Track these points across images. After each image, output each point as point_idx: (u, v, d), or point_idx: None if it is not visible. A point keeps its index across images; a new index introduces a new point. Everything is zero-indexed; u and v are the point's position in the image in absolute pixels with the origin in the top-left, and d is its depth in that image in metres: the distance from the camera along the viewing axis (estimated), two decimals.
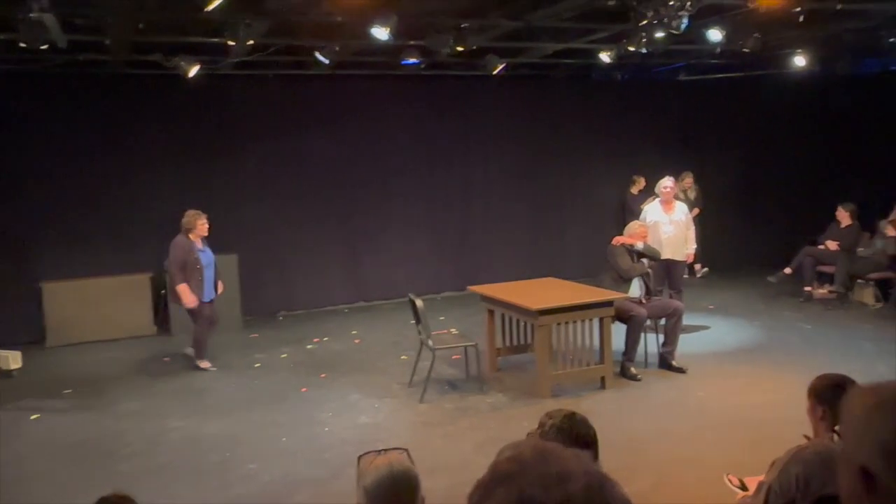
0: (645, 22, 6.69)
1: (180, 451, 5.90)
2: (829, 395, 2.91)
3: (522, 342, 7.79)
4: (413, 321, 7.36)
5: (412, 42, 8.10)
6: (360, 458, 2.73)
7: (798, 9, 7.21)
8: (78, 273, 9.49)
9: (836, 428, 2.78)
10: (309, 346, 8.98)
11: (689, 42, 8.46)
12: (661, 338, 7.56)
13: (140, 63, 8.74)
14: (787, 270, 10.15)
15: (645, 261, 7.68)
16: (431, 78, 10.68)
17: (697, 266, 11.46)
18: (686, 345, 7.82)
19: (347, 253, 11.09)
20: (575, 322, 6.87)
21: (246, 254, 9.90)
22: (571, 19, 7.43)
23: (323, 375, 7.75)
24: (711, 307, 9.93)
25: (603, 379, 6.97)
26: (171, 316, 9.65)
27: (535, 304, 6.76)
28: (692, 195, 11.46)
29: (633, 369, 7.26)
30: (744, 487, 3.54)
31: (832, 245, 10.02)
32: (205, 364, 8.07)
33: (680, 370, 7.36)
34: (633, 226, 7.92)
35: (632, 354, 7.30)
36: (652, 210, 8.61)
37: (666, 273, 8.50)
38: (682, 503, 4.67)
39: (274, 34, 7.58)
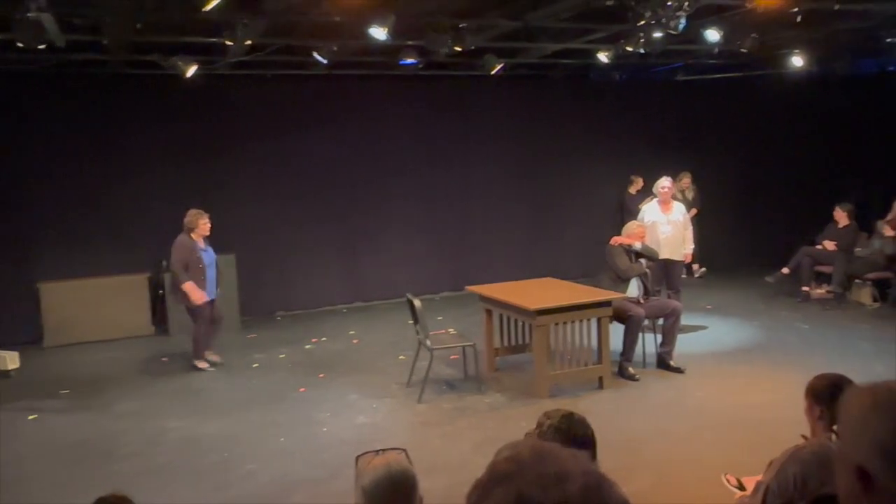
0: (643, 22, 6.69)
1: (178, 452, 5.90)
2: (827, 394, 2.91)
3: (520, 342, 7.79)
4: (411, 321, 7.36)
5: (410, 42, 8.10)
6: (358, 458, 2.73)
7: (796, 9, 7.22)
8: (76, 273, 9.48)
9: (834, 428, 2.78)
10: (307, 347, 8.98)
11: (687, 42, 8.47)
12: (660, 338, 7.57)
13: (138, 63, 8.73)
14: (785, 270, 10.16)
15: (643, 261, 7.69)
16: (430, 78, 10.68)
17: (695, 266, 11.48)
18: (684, 345, 7.83)
19: (345, 253, 11.09)
20: (573, 322, 6.87)
21: (243, 254, 9.90)
22: (570, 19, 7.44)
23: (321, 375, 7.75)
24: (709, 307, 9.94)
25: (601, 379, 6.97)
26: (168, 316, 9.65)
27: (533, 304, 6.76)
28: (690, 195, 11.47)
29: (631, 369, 7.26)
30: (742, 487, 3.55)
31: (830, 245, 10.03)
32: (203, 364, 8.06)
33: (678, 370, 7.37)
34: (631, 226, 7.93)
35: (630, 354, 7.30)
36: (650, 210, 8.61)
37: (664, 273, 8.50)
38: (680, 503, 4.67)
39: (272, 34, 7.58)
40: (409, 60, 8.61)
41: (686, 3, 6.28)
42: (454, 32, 7.51)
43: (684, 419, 6.16)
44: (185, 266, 7.80)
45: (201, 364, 8.05)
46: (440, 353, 7.20)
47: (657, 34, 7.15)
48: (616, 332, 7.19)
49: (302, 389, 7.32)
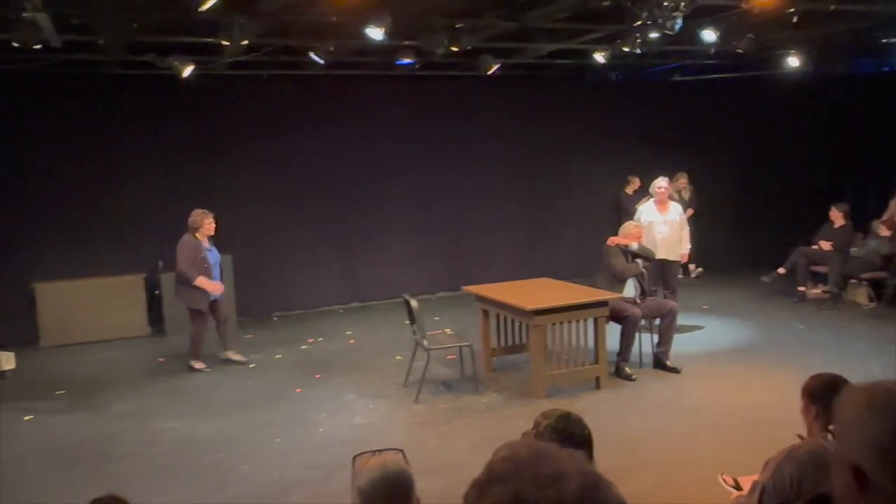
0: (639, 22, 6.70)
1: (175, 452, 5.89)
2: (823, 394, 2.91)
3: (517, 342, 7.79)
4: (408, 321, 7.36)
5: (407, 42, 8.10)
6: (354, 458, 2.73)
7: (792, 9, 7.23)
8: (71, 273, 9.47)
9: (830, 427, 2.78)
10: (304, 347, 8.97)
11: (683, 43, 8.48)
12: (656, 338, 7.58)
13: (134, 63, 8.72)
14: (781, 270, 10.18)
15: (639, 261, 7.69)
16: (426, 78, 10.68)
17: (692, 266, 11.49)
18: (680, 345, 7.84)
19: (342, 253, 11.08)
20: (570, 322, 6.88)
21: (240, 254, 9.88)
22: (566, 20, 7.44)
23: (318, 376, 7.74)
24: (706, 307, 9.96)
25: (598, 379, 6.97)
26: (164, 317, 9.64)
27: (530, 304, 6.77)
28: (686, 195, 11.49)
29: (627, 369, 7.27)
30: (738, 487, 3.55)
31: (826, 245, 10.05)
32: (199, 365, 8.05)
33: (674, 370, 7.37)
34: (627, 226, 7.94)
35: (626, 354, 7.31)
36: (646, 210, 8.62)
37: (660, 273, 8.51)
38: (676, 503, 4.67)
39: (268, 34, 7.56)
40: (406, 61, 8.60)
41: (682, 4, 6.29)
42: (450, 33, 7.51)
43: (681, 419, 6.16)
44: (192, 265, 7.80)
45: (197, 365, 8.04)
46: (437, 354, 7.20)
47: (653, 34, 7.15)
48: (613, 332, 7.19)
49: (299, 390, 7.32)
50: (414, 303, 6.91)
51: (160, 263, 9.53)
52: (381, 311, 10.60)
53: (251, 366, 8.19)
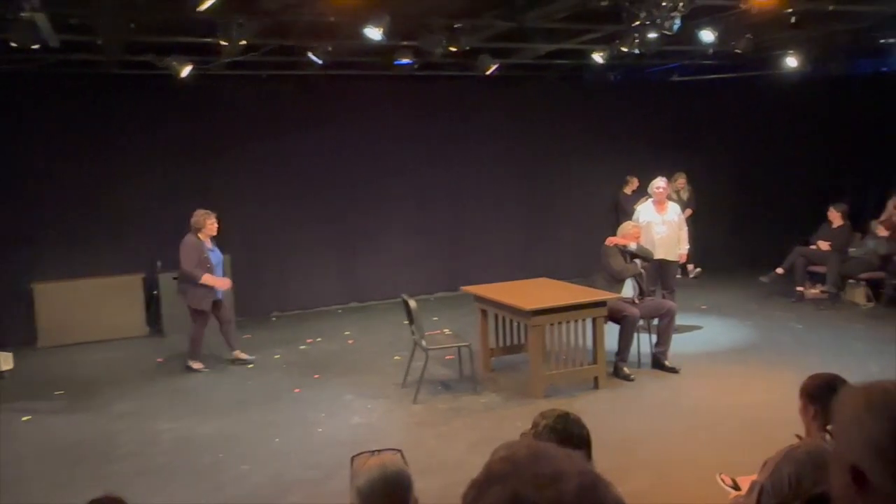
0: (637, 23, 6.70)
1: (173, 453, 5.89)
2: (821, 394, 2.91)
3: (516, 342, 7.79)
4: (406, 321, 7.36)
5: (405, 42, 8.09)
6: (353, 458, 2.73)
7: (790, 10, 7.23)
8: (70, 273, 9.46)
9: (828, 427, 2.79)
10: (302, 347, 8.97)
11: (681, 43, 8.48)
12: (654, 338, 7.58)
13: (133, 63, 8.71)
14: (779, 270, 10.19)
15: (638, 261, 7.70)
16: (424, 78, 10.67)
17: (690, 266, 11.50)
18: (679, 345, 7.84)
19: (340, 253, 11.08)
20: (568, 322, 6.88)
21: (238, 254, 9.87)
22: (564, 20, 7.44)
23: (316, 376, 7.74)
24: (704, 307, 9.96)
25: (596, 379, 6.97)
26: (163, 317, 9.63)
27: (529, 304, 6.77)
28: (685, 196, 11.50)
29: (626, 369, 7.27)
30: (736, 487, 3.55)
31: (824, 245, 10.06)
32: (197, 365, 8.05)
33: (673, 370, 7.38)
34: (626, 226, 7.94)
35: (625, 354, 7.31)
36: (645, 210, 8.63)
37: (658, 273, 8.52)
38: (675, 503, 4.68)
39: (266, 34, 7.56)
40: (404, 61, 8.60)
41: (681, 4, 6.29)
42: (449, 33, 7.51)
43: (679, 419, 6.17)
44: (197, 264, 7.80)
45: (195, 365, 8.04)
46: (435, 354, 7.19)
47: (652, 35, 7.16)
48: (611, 332, 7.20)
49: (297, 390, 7.32)
50: (412, 303, 6.91)
51: (158, 263, 9.52)
52: (379, 312, 10.59)
53: (249, 366, 8.18)
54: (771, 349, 8.06)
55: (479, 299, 7.75)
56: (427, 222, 11.47)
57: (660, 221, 8.47)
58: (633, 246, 7.71)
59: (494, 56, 9.24)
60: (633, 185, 11.73)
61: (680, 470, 5.13)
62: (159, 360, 8.58)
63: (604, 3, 6.74)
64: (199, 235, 7.91)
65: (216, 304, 8.05)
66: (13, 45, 6.32)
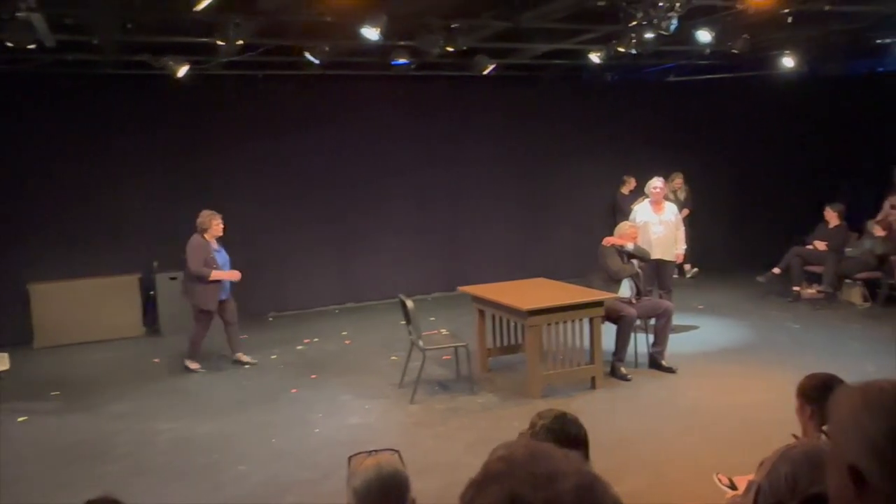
0: (634, 23, 6.71)
1: (171, 453, 5.88)
2: (818, 394, 2.92)
3: (513, 342, 7.79)
4: (403, 322, 7.35)
5: (402, 42, 8.09)
6: (350, 458, 2.73)
7: (787, 10, 7.24)
8: (66, 274, 9.45)
9: (825, 427, 2.79)
10: (299, 347, 8.96)
11: (678, 43, 8.49)
12: (651, 338, 7.58)
13: (129, 63, 8.70)
14: (776, 270, 10.20)
15: (635, 261, 7.71)
16: (421, 78, 10.67)
17: (687, 266, 11.49)
18: (676, 345, 7.85)
19: (337, 253, 11.07)
20: (565, 322, 6.88)
21: (235, 254, 9.79)
22: (561, 20, 7.44)
23: (313, 376, 7.73)
24: (701, 307, 9.97)
25: (593, 379, 6.98)
26: (159, 317, 9.62)
27: (526, 304, 6.77)
28: (682, 196, 11.50)
29: (623, 369, 7.28)
30: (733, 487, 3.55)
31: (820, 245, 10.07)
32: (194, 365, 8.04)
33: (670, 370, 7.39)
34: (623, 226, 7.94)
35: (622, 354, 7.32)
36: (642, 210, 8.63)
37: (655, 273, 8.52)
38: (672, 503, 4.68)
39: (264, 34, 7.56)
40: (402, 61, 8.60)
41: (678, 4, 6.30)
42: (446, 33, 7.51)
43: (676, 419, 6.17)
44: (204, 265, 7.79)
45: (192, 365, 8.03)
46: (432, 354, 7.20)
47: (649, 35, 7.15)
48: (608, 332, 7.20)
49: (294, 390, 7.31)
50: (410, 303, 6.91)
51: (155, 264, 9.51)
52: (376, 312, 10.58)
53: (246, 366, 8.17)
54: (768, 349, 8.07)
55: (477, 299, 7.75)
56: (424, 222, 11.47)
57: (657, 221, 8.47)
58: (630, 246, 7.71)
59: (492, 56, 9.25)
60: (630, 185, 11.73)
61: (677, 470, 5.14)
62: (156, 360, 8.56)
63: (601, 4, 6.75)
64: (206, 236, 7.91)
65: (222, 304, 8.04)
66: (9, 45, 6.30)
